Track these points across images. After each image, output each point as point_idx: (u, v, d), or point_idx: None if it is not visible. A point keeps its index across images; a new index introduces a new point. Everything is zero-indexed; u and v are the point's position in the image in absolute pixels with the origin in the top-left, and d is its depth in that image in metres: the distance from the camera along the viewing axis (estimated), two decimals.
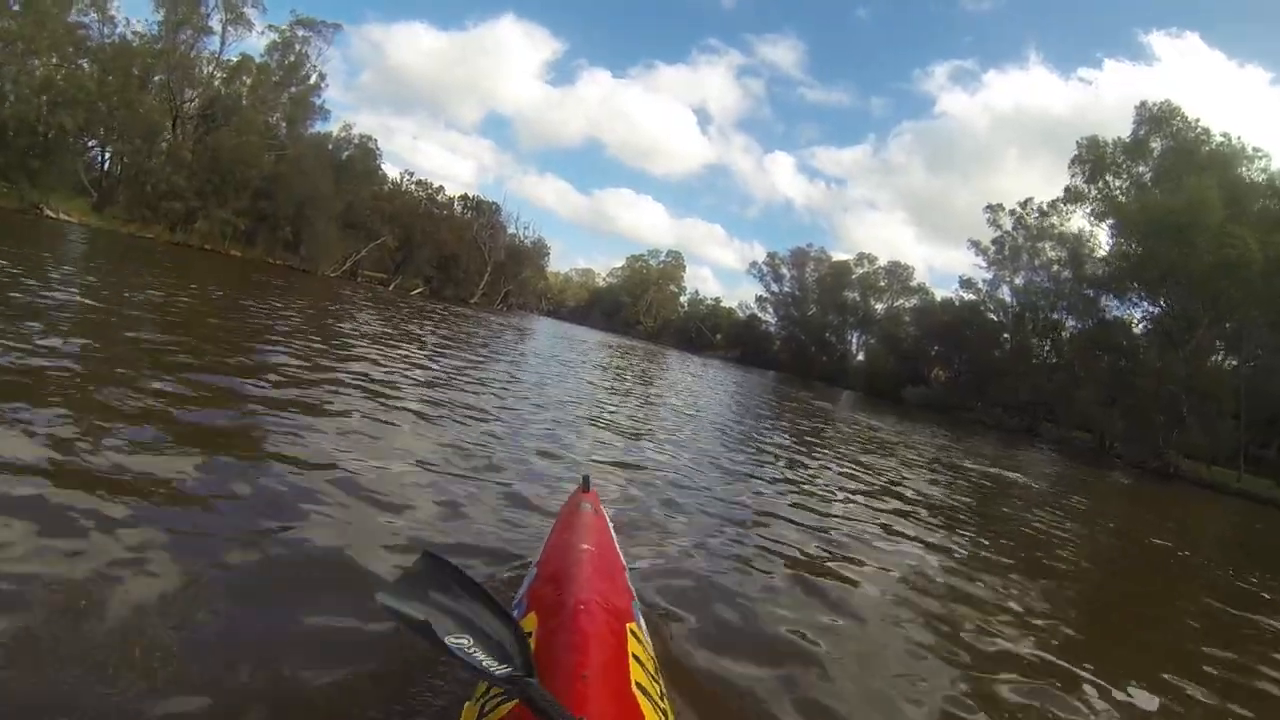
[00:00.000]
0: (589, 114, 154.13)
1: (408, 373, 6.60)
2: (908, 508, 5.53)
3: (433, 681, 1.63)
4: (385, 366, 6.56)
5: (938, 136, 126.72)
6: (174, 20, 28.15)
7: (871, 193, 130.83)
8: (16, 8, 23.88)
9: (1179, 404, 23.38)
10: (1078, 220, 34.41)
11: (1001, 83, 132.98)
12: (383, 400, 4.80)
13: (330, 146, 35.96)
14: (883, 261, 56.60)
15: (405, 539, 2.48)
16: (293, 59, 32.86)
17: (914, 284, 54.81)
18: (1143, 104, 29.38)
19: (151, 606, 1.69)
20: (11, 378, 3.32)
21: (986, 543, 5.05)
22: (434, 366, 7.68)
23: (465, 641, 0.92)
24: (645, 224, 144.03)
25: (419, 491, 3.02)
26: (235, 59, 31.26)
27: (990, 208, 39.96)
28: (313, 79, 34.56)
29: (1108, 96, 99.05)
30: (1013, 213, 38.95)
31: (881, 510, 5.12)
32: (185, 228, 27.11)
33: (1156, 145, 29.21)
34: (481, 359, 10.22)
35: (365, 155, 38.56)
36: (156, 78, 28.21)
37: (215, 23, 30.33)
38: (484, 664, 0.90)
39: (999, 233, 39.45)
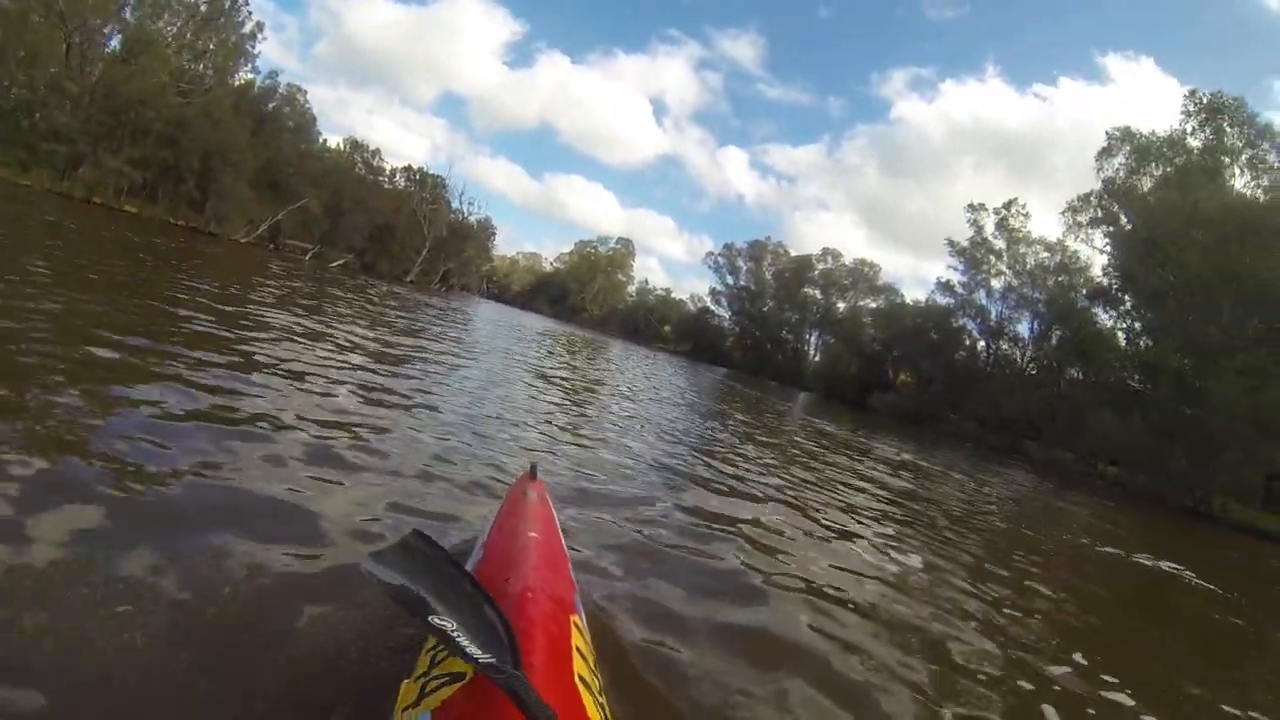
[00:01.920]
0: (545, 98, 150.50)
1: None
2: (873, 509, 5.66)
3: (368, 658, 1.59)
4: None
5: (893, 142, 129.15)
6: None
7: (824, 193, 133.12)
8: None
9: (1228, 433, 19.36)
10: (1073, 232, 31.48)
11: (959, 93, 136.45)
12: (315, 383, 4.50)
13: (252, 95, 32.93)
14: (848, 259, 55.23)
15: (348, 511, 2.44)
16: None
17: (880, 283, 52.76)
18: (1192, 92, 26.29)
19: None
20: None
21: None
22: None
23: (450, 624, 0.91)
24: (595, 212, 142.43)
25: (357, 469, 2.97)
26: None
27: (971, 206, 38.26)
28: (248, 26, 31.82)
29: (1061, 115, 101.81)
30: (996, 211, 37.40)
31: (843, 516, 5.02)
32: (72, 175, 24.31)
33: (1197, 141, 26.04)
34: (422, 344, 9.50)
35: (294, 109, 35.60)
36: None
37: None
38: (469, 649, 0.88)
39: (976, 234, 37.77)
